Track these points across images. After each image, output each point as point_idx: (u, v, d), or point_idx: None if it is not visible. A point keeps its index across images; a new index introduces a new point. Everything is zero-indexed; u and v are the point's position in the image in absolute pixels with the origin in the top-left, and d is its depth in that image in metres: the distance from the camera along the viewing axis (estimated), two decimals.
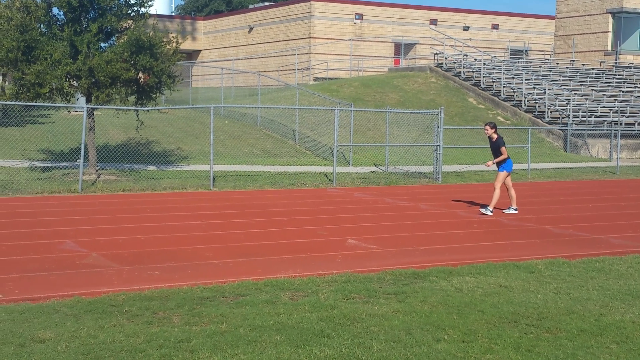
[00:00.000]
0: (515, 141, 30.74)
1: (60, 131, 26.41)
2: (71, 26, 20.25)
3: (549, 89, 37.07)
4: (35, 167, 21.89)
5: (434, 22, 55.20)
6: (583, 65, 45.12)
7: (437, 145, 23.49)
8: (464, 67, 40.75)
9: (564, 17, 48.19)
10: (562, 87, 39.26)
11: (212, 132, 20.96)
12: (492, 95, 38.27)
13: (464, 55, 42.88)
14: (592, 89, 39.78)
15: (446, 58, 42.35)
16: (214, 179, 20.50)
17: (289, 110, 30.44)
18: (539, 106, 36.41)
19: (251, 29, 56.63)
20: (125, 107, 21.29)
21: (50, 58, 19.60)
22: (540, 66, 43.76)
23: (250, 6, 63.50)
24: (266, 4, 58.71)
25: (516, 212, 16.28)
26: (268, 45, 54.88)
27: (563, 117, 35.33)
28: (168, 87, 21.43)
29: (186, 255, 11.08)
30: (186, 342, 7.06)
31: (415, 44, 54.17)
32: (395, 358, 6.77)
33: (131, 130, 24.92)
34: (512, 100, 37.45)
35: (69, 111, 30.44)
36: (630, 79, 42.81)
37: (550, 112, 35.83)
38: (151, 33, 20.96)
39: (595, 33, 46.51)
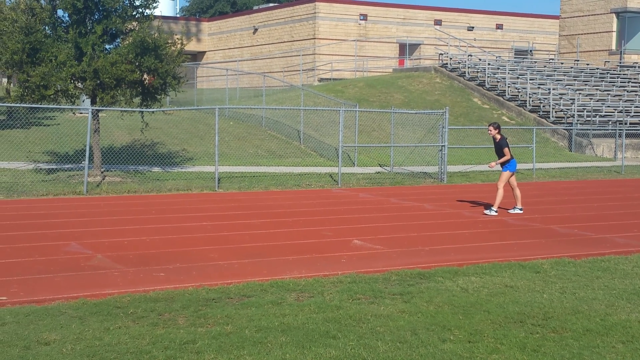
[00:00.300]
0: (520, 141, 30.71)
1: (65, 133, 26.42)
2: (76, 28, 20.27)
3: (553, 89, 37.01)
4: (40, 169, 21.92)
5: (438, 22, 55.16)
6: (587, 64, 45.05)
7: (442, 146, 23.47)
8: (468, 67, 40.72)
9: (568, 17, 48.13)
10: (567, 86, 39.22)
11: (217, 134, 20.97)
12: (496, 95, 38.22)
13: (469, 55, 42.85)
14: (597, 89, 39.73)
15: (451, 58, 42.33)
16: (219, 180, 20.50)
17: (294, 111, 30.45)
18: (543, 106, 36.37)
19: (256, 30, 56.64)
20: (130, 109, 21.29)
21: (55, 60, 19.61)
22: (545, 66, 43.73)
23: (255, 7, 63.57)
24: (271, 5, 58.73)
25: (521, 211, 16.26)
26: (273, 46, 54.90)
27: (568, 117, 35.27)
28: (173, 89, 21.44)
29: (191, 257, 11.07)
30: (192, 344, 7.06)
31: (419, 44, 54.14)
32: (401, 358, 6.76)
33: (136, 132, 24.95)
34: (517, 100, 37.41)
35: (73, 113, 30.48)
36: (634, 79, 42.74)
37: (555, 111, 35.78)
38: (156, 34, 20.97)
39: (600, 33, 46.46)
